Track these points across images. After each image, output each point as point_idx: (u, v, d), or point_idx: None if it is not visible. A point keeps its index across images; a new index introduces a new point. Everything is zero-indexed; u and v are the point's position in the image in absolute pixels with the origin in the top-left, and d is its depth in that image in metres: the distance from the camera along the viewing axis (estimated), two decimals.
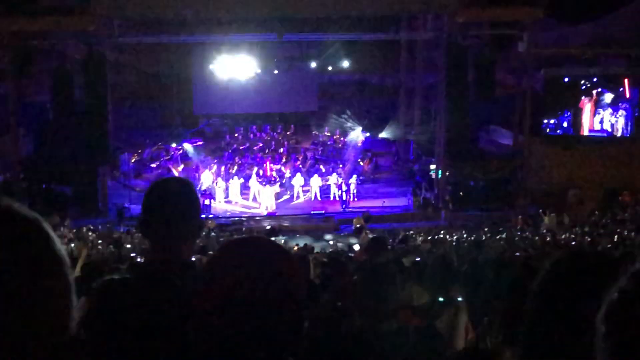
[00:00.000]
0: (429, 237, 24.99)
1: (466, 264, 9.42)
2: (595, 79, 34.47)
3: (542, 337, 2.05)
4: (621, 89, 34.04)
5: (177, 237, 3.06)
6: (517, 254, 15.84)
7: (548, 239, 23.41)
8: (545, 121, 35.01)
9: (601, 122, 34.73)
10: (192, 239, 3.22)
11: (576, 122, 35.04)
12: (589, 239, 21.70)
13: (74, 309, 1.30)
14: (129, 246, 22.54)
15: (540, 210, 29.86)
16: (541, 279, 2.15)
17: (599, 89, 34.57)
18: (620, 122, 34.18)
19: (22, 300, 1.18)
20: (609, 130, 34.46)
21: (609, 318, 1.34)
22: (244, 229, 29.52)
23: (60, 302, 1.26)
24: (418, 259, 12.74)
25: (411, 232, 27.07)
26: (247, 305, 1.87)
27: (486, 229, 26.87)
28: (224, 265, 1.96)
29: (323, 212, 32.81)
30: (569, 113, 35.27)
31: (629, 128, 33.87)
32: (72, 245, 21.50)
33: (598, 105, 34.80)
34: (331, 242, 25.89)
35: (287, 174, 36.17)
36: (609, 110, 34.45)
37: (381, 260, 7.16)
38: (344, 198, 33.65)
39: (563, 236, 23.81)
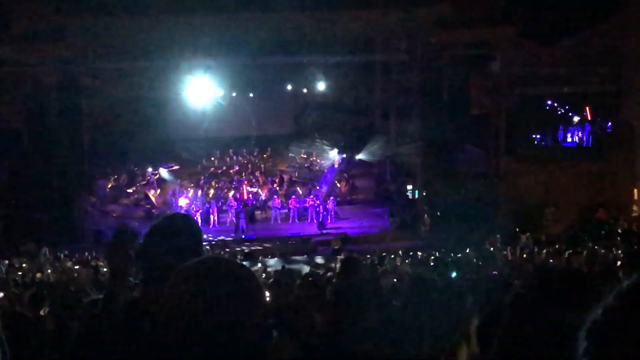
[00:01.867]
0: (407, 259, 24.97)
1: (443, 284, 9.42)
2: (568, 98, 34.85)
3: (515, 354, 2.05)
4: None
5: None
6: (494, 272, 15.86)
7: (525, 256, 23.45)
8: (520, 139, 35.24)
9: (572, 137, 35.40)
10: None
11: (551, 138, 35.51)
12: (565, 257, 21.74)
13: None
14: (105, 270, 22.37)
15: (517, 229, 29.94)
16: (514, 297, 2.15)
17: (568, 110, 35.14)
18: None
19: None
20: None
21: (592, 335, 1.34)
22: (221, 252, 29.41)
23: None
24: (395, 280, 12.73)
25: (387, 253, 27.03)
26: (206, 331, 1.85)
27: (463, 248, 26.89)
28: (179, 294, 1.94)
29: (300, 234, 32.76)
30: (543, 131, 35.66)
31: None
32: (49, 271, 21.35)
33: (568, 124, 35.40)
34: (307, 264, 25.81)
35: (264, 197, 36.15)
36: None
37: (353, 282, 7.14)
38: (322, 220, 33.62)
39: (541, 254, 23.84)
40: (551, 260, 21.73)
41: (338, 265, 8.35)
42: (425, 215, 32.47)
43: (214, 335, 1.85)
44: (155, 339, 2.83)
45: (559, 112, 35.73)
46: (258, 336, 1.94)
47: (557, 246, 25.60)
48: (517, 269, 18.14)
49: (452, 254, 25.11)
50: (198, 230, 3.27)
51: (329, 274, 19.14)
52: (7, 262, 22.45)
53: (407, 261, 24.03)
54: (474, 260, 23.16)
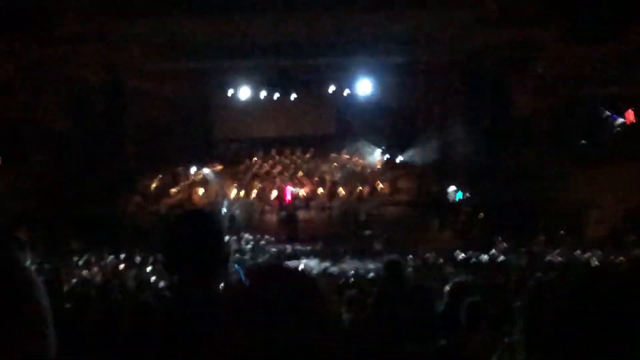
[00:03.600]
0: (449, 261, 24.89)
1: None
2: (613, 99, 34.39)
3: (564, 354, 2.06)
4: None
5: (203, 272, 3.06)
6: (538, 274, 15.76)
7: (567, 259, 23.29)
8: (564, 141, 34.86)
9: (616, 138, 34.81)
10: (219, 270, 3.22)
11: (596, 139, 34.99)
12: (609, 260, 21.56)
13: (52, 336, 1.25)
14: (148, 269, 22.58)
15: (562, 232, 29.70)
16: (560, 299, 2.16)
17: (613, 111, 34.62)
18: None
19: None
20: None
21: None
22: (263, 253, 29.48)
23: (31, 330, 1.21)
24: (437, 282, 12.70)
25: (429, 255, 26.94)
26: (274, 335, 1.85)
27: (507, 250, 26.73)
28: (249, 295, 1.94)
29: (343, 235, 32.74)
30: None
31: None
32: (95, 270, 21.57)
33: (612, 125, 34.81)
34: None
35: (306, 198, 36.19)
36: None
37: (395, 285, 7.15)
38: (365, 220, 33.58)
39: (585, 256, 23.65)
40: (596, 263, 21.57)
41: (382, 268, 8.31)
42: (468, 217, 32.34)
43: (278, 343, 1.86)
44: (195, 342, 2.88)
45: (604, 114, 35.27)
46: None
47: (601, 248, 25.39)
48: (561, 271, 18.01)
49: (495, 257, 25.01)
50: (219, 227, 3.27)
51: (371, 274, 19.20)
52: (52, 260, 22.69)
53: (448, 263, 23.99)
54: (518, 263, 23.04)
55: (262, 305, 1.88)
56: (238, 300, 1.96)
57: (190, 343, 2.89)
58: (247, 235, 31.83)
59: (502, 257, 24.75)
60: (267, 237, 32.17)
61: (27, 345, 1.19)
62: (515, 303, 7.75)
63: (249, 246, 30.02)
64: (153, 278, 19.54)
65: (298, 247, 30.79)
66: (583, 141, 34.24)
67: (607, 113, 33.69)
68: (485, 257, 25.21)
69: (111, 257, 25.35)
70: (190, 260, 3.04)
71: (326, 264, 24.87)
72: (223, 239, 3.26)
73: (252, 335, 1.86)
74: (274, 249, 29.74)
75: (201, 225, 3.15)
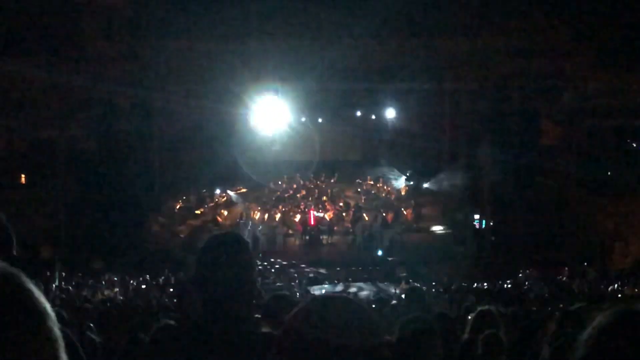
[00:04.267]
0: (473, 289, 24.77)
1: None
2: None
3: None
4: None
5: (232, 296, 3.06)
6: (561, 305, 15.64)
7: (591, 290, 23.11)
8: (591, 171, 34.67)
9: None
10: (248, 296, 3.21)
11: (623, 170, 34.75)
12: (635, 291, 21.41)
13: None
14: (171, 290, 22.62)
15: (585, 262, 29.50)
16: (594, 335, 2.12)
17: None
18: None
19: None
20: None
21: None
22: (285, 275, 29.42)
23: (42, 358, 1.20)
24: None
25: (452, 282, 26.81)
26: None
27: (531, 280, 26.57)
28: (308, 326, 1.91)
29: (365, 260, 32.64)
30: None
31: None
32: (117, 290, 21.63)
33: None
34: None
35: (330, 222, 36.11)
36: None
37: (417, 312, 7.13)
38: (388, 246, 33.48)
39: (609, 289, 23.48)
40: (619, 295, 21.40)
41: (403, 295, 8.31)
42: (492, 245, 32.19)
43: None
44: None
45: (632, 144, 35.08)
46: None
47: (625, 280, 25.21)
48: (586, 303, 17.88)
49: (519, 286, 24.88)
50: (248, 249, 3.27)
51: (393, 301, 19.13)
52: (75, 280, 22.81)
53: (471, 291, 23.85)
54: (542, 293, 22.89)
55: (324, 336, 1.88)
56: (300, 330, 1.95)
57: None
58: (271, 260, 31.82)
59: (525, 287, 24.60)
60: (292, 262, 32.13)
61: None
62: (538, 333, 7.69)
63: (273, 270, 30.00)
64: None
65: (321, 271, 30.71)
66: (609, 172, 34.06)
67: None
68: (508, 286, 25.08)
69: (133, 277, 25.42)
70: (221, 282, 3.05)
71: (349, 288, 24.79)
72: (254, 262, 3.27)
73: None
74: (296, 274, 29.68)
75: (233, 248, 3.15)
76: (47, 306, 1.23)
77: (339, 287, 26.80)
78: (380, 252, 33.19)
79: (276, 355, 1.93)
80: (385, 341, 1.98)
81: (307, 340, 1.85)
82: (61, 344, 1.23)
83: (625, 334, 2.00)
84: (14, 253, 3.07)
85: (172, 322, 5.94)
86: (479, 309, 7.28)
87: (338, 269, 31.35)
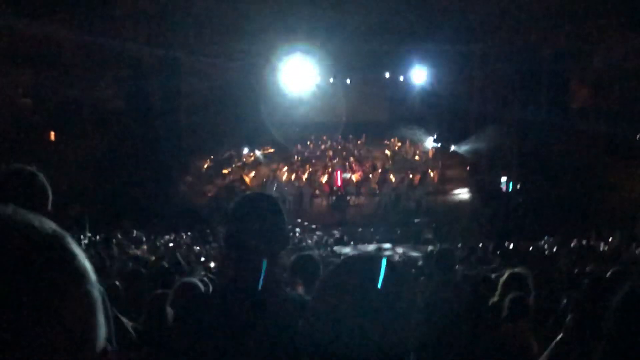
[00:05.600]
0: (498, 251, 24.71)
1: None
2: None
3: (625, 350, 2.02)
4: None
5: (265, 251, 3.06)
6: (587, 268, 15.58)
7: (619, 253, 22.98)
8: (621, 135, 34.38)
9: None
10: (278, 251, 3.22)
11: None
12: None
13: (101, 326, 1.24)
14: (197, 249, 22.77)
15: (613, 227, 29.34)
16: (621, 300, 2.10)
17: None
18: None
19: (36, 321, 1.13)
20: None
21: None
22: (311, 235, 29.49)
23: (80, 322, 1.20)
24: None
25: (477, 245, 26.77)
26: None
27: (558, 242, 26.47)
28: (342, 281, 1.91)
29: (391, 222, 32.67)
30: None
31: None
32: (145, 248, 21.77)
33: None
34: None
35: (357, 183, 36.12)
36: None
37: (446, 274, 7.13)
38: (414, 207, 33.50)
39: (637, 251, 23.33)
40: None
41: (433, 257, 8.28)
42: (518, 207, 32.06)
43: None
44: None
45: None
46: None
47: None
48: (611, 267, 17.79)
49: (545, 248, 24.81)
50: (280, 210, 3.26)
51: (420, 262, 19.18)
52: (104, 238, 22.96)
53: (498, 254, 23.82)
54: (569, 256, 22.81)
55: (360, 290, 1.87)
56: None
57: (244, 327, 2.90)
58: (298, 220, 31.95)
59: (552, 249, 24.52)
60: (318, 222, 32.28)
61: (76, 334, 1.18)
62: (564, 296, 7.67)
63: (300, 230, 30.10)
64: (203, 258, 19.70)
65: (348, 231, 30.77)
66: (638, 137, 33.75)
67: None
68: (535, 248, 25.02)
69: (163, 236, 25.59)
70: (254, 241, 3.04)
71: (375, 248, 24.82)
72: (285, 222, 3.26)
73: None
74: (322, 234, 29.75)
75: (266, 207, 3.14)
76: (89, 269, 1.23)
77: (367, 248, 26.82)
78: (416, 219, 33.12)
79: (309, 318, 1.91)
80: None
81: (341, 301, 1.83)
82: (99, 307, 1.23)
83: None
84: (49, 210, 3.10)
85: (194, 280, 5.98)
86: (509, 271, 7.26)
87: (364, 229, 31.41)
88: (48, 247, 1.18)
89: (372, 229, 31.45)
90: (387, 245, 27.83)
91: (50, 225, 1.22)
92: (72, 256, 1.22)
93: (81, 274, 1.21)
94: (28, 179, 3.15)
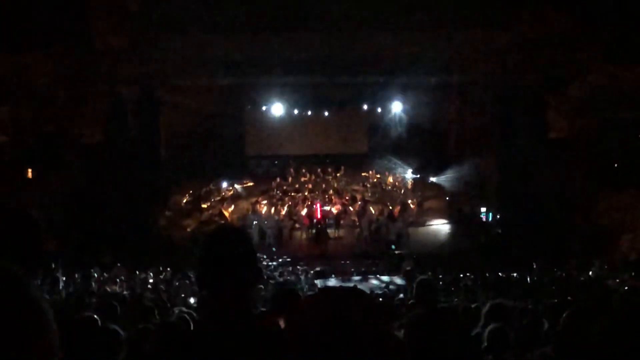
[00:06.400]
0: (480, 281, 24.74)
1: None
2: None
3: None
4: None
5: (236, 288, 3.04)
6: (569, 298, 15.60)
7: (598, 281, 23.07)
8: (599, 164, 34.59)
9: None
10: (251, 287, 3.20)
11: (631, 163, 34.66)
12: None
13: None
14: (177, 284, 22.65)
15: (592, 255, 29.45)
16: (606, 330, 2.10)
17: None
18: None
19: None
20: None
21: None
22: (291, 269, 29.41)
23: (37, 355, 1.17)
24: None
25: (459, 275, 26.78)
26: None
27: (538, 272, 26.52)
28: (316, 317, 1.89)
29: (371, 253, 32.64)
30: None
31: None
32: (123, 283, 21.63)
33: None
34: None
35: (336, 215, 36.12)
36: None
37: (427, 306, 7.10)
38: (394, 240, 33.50)
39: (616, 280, 23.42)
40: (626, 288, 21.33)
41: (414, 288, 8.24)
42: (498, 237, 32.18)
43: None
44: None
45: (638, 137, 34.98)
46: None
47: (632, 273, 25.17)
48: (593, 296, 17.83)
49: (527, 278, 24.85)
50: (251, 246, 3.24)
51: (401, 295, 19.14)
52: (82, 273, 22.81)
53: (479, 284, 23.83)
54: (549, 285, 22.87)
55: (330, 327, 1.85)
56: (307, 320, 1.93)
57: None
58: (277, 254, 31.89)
59: (533, 279, 24.58)
60: (298, 255, 32.20)
61: None
62: (545, 325, 7.68)
63: (280, 263, 30.02)
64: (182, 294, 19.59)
65: (328, 265, 30.70)
66: (617, 164, 33.99)
67: None
68: (516, 278, 25.07)
69: (140, 271, 25.44)
70: (223, 277, 3.02)
71: (355, 282, 24.79)
72: (256, 256, 3.24)
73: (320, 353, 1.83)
74: (302, 268, 29.66)
75: (235, 242, 3.12)
76: (49, 315, 1.20)
77: (346, 281, 26.77)
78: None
79: (284, 350, 1.91)
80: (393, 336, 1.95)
81: (315, 332, 1.83)
82: (54, 341, 1.21)
83: (637, 327, 1.98)
84: (43, 250, 3.08)
85: (172, 321, 5.94)
86: (491, 302, 7.26)
87: (344, 262, 31.37)
88: (7, 293, 1.16)
89: (352, 262, 31.41)
90: (367, 277, 27.81)
91: (12, 269, 1.19)
92: (32, 302, 1.18)
93: (40, 321, 1.18)
94: (21, 222, 3.12)
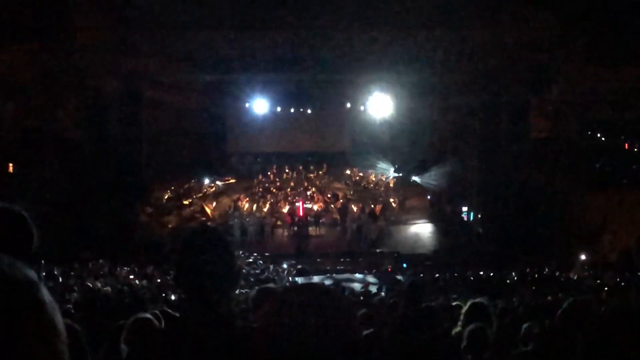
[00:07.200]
0: (460, 281, 24.82)
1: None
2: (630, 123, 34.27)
3: None
4: None
5: (214, 290, 3.03)
6: (549, 297, 15.69)
7: (579, 282, 23.19)
8: (580, 164, 34.75)
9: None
10: (230, 289, 3.19)
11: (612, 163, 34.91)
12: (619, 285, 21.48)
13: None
14: (158, 280, 22.58)
15: (574, 254, 29.59)
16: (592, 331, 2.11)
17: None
18: None
19: None
20: None
21: None
22: (272, 267, 29.38)
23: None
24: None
25: (439, 274, 26.84)
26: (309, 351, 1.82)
27: (518, 272, 26.63)
28: (283, 314, 1.90)
29: (353, 251, 32.68)
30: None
31: None
32: (104, 280, 21.54)
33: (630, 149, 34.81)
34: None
35: (318, 213, 36.13)
36: None
37: (421, 306, 7.10)
38: (375, 238, 33.55)
39: (597, 281, 23.54)
40: (606, 289, 21.44)
41: (404, 289, 8.27)
42: (480, 237, 32.27)
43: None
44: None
45: (621, 137, 35.23)
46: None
47: (613, 272, 25.32)
48: (573, 295, 17.88)
49: (507, 278, 24.94)
50: (228, 247, 3.22)
51: (382, 293, 19.17)
52: (62, 269, 22.70)
53: (459, 283, 23.91)
54: (529, 285, 22.95)
55: (295, 320, 1.86)
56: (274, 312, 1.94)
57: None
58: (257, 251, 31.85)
59: (514, 279, 24.68)
60: (280, 253, 32.20)
61: None
62: (525, 325, 7.69)
63: (261, 261, 29.96)
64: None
65: (309, 262, 30.70)
66: (598, 165, 34.18)
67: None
68: (496, 277, 25.16)
69: (121, 268, 25.35)
70: (202, 276, 3.01)
71: (336, 279, 24.80)
72: (235, 258, 3.23)
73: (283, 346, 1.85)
74: (283, 265, 29.64)
75: (214, 244, 3.11)
76: (58, 320, 1.19)
77: (327, 279, 26.77)
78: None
79: (255, 347, 1.92)
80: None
81: (282, 329, 1.84)
82: (65, 342, 1.20)
83: (621, 329, 1.99)
84: (34, 251, 3.07)
85: (148, 315, 5.90)
86: (471, 301, 7.26)
87: (326, 260, 31.37)
88: (17, 297, 1.14)
89: (333, 259, 31.43)
90: (349, 276, 27.82)
91: (22, 271, 1.18)
92: (41, 306, 1.17)
93: (49, 327, 1.17)
94: (14, 219, 3.10)
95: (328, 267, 29.96)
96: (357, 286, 24.41)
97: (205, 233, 3.30)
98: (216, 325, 2.95)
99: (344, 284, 24.22)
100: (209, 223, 34.13)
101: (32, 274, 1.21)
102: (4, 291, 1.15)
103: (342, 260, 31.60)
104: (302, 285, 2.09)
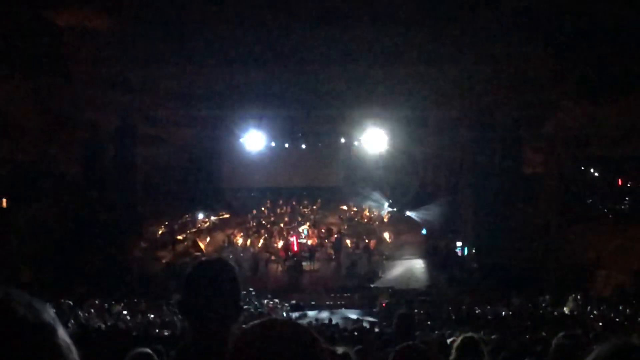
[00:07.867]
0: (454, 314, 24.74)
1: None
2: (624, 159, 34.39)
3: None
4: None
5: (218, 320, 3.03)
6: (543, 333, 15.64)
7: (574, 318, 23.12)
8: (574, 200, 34.81)
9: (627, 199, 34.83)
10: (233, 321, 3.18)
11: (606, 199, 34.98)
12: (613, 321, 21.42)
13: None
14: (152, 316, 22.50)
15: (567, 291, 29.54)
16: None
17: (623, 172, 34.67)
18: None
19: None
20: None
21: None
22: (266, 301, 29.28)
23: None
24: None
25: (435, 308, 26.77)
26: None
27: (513, 306, 26.57)
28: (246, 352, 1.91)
29: (348, 287, 32.59)
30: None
31: None
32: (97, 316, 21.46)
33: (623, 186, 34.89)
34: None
35: (312, 248, 36.03)
36: None
37: (412, 339, 7.09)
38: (369, 273, 33.46)
39: (591, 316, 23.48)
40: (600, 324, 21.40)
41: (393, 322, 8.26)
42: (475, 272, 32.21)
43: None
44: None
45: (614, 174, 35.30)
46: None
47: (605, 308, 25.25)
48: (567, 332, 17.79)
49: (502, 313, 24.88)
50: (236, 278, 3.23)
51: (376, 329, 19.12)
52: (55, 304, 22.61)
53: (453, 318, 23.84)
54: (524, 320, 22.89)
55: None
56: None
57: None
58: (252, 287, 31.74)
59: (508, 314, 24.60)
60: (274, 288, 32.09)
61: None
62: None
63: (255, 296, 29.86)
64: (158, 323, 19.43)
65: (303, 297, 30.62)
66: (591, 200, 34.23)
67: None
68: (491, 312, 25.09)
69: (115, 303, 25.23)
70: (207, 308, 3.01)
71: (329, 314, 24.75)
72: (240, 292, 3.23)
73: None
74: (277, 300, 29.54)
75: (222, 276, 3.11)
76: (67, 343, 1.20)
77: (322, 314, 26.71)
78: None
79: None
80: None
81: None
82: None
83: None
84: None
85: (148, 350, 5.88)
86: (463, 336, 7.25)
87: (320, 295, 31.28)
88: (34, 342, 1.15)
89: (327, 295, 31.34)
90: (343, 311, 27.76)
91: (40, 314, 1.18)
92: (58, 350, 1.18)
93: (60, 350, 1.18)
94: None
95: (323, 302, 29.91)
96: (350, 321, 24.38)
97: (218, 262, 3.31)
98: (218, 357, 2.96)
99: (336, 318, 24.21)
100: (203, 258, 33.96)
101: (49, 315, 1.22)
102: (22, 336, 1.15)
103: (336, 295, 31.51)
104: (270, 321, 2.09)
